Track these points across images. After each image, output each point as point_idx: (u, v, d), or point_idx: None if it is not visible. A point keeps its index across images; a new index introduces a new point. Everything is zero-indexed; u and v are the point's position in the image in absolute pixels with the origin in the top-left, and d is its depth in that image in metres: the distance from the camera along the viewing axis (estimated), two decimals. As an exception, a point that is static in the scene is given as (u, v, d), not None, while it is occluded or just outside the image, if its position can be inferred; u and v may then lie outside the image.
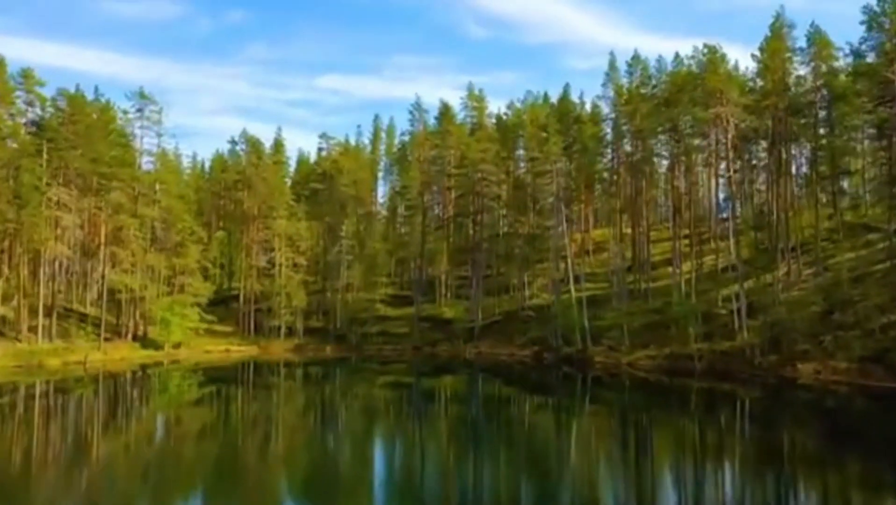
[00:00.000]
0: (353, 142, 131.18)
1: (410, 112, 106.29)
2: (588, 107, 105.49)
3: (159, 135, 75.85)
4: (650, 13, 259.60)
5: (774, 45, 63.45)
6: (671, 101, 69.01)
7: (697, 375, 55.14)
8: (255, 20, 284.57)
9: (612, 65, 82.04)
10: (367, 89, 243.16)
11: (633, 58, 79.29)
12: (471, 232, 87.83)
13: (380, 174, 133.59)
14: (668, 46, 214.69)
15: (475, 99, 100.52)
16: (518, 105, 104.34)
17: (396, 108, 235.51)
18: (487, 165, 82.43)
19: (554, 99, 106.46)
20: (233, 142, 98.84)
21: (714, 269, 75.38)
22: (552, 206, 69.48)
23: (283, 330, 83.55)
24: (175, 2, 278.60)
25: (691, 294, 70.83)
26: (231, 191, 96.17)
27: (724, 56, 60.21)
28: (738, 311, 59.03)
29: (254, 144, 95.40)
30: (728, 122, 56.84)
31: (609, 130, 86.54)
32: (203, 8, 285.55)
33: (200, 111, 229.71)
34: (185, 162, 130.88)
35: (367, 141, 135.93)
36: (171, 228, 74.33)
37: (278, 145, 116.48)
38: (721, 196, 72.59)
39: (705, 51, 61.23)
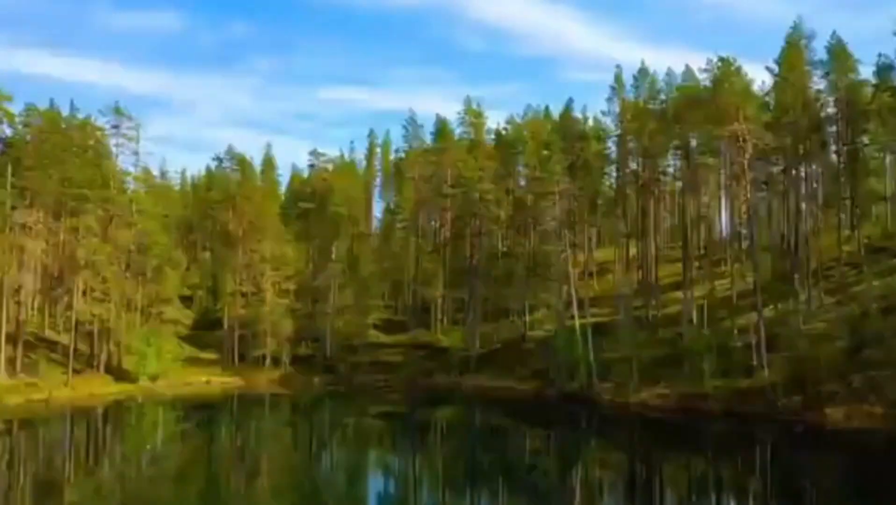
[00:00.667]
0: (347, 157, 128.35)
1: (405, 128, 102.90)
2: (591, 121, 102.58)
3: (136, 153, 72.29)
4: (649, 25, 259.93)
5: (793, 58, 59.97)
6: (681, 117, 65.49)
7: (714, 417, 51.37)
8: (257, 33, 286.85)
9: (618, 79, 78.34)
10: (368, 101, 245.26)
11: (639, 71, 75.81)
12: (468, 254, 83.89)
13: (376, 189, 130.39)
14: (667, 59, 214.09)
15: (473, 114, 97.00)
16: (518, 120, 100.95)
17: (397, 121, 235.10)
18: (486, 185, 78.80)
19: (555, 113, 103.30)
20: (218, 159, 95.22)
21: (727, 295, 71.74)
22: (554, 230, 65.67)
23: (268, 360, 79.58)
24: (177, 15, 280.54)
25: (703, 323, 67.16)
26: (216, 210, 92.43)
27: (739, 69, 56.68)
28: (757, 345, 55.20)
29: (241, 162, 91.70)
30: (745, 140, 53.21)
31: (614, 148, 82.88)
32: (205, 21, 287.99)
33: (202, 123, 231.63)
34: (175, 177, 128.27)
35: (362, 156, 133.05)
36: (147, 253, 70.42)
37: (268, 162, 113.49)
38: (735, 218, 68.78)
39: (719, 64, 57.65)
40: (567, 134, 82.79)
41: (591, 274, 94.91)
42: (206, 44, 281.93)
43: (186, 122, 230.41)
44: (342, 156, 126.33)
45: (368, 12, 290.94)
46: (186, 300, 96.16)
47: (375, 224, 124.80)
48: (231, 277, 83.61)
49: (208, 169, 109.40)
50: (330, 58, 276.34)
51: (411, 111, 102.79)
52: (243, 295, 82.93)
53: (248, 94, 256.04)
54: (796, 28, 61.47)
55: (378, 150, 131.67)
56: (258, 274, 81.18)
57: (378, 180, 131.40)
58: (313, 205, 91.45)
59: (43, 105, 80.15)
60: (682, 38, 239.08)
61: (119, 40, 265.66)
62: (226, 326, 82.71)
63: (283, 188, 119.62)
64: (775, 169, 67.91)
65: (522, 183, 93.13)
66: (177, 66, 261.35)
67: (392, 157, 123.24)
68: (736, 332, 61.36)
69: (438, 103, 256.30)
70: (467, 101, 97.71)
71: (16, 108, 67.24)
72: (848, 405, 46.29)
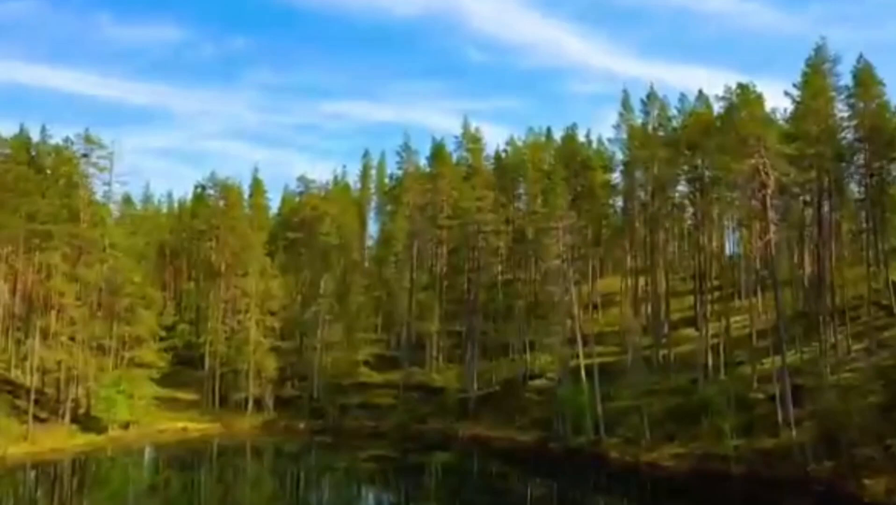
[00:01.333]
0: (340, 179, 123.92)
1: (398, 154, 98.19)
2: (595, 144, 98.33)
3: (107, 183, 67.73)
4: (647, 39, 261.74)
5: (815, 84, 55.52)
6: (695, 146, 61.10)
7: (736, 482, 46.74)
8: (258, 46, 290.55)
9: (626, 103, 73.76)
10: (369, 114, 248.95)
11: (648, 95, 71.06)
12: (465, 287, 78.84)
13: (371, 213, 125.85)
14: (668, 72, 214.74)
15: (471, 139, 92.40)
16: (519, 143, 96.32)
17: (397, 134, 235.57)
18: (484, 215, 74.09)
19: (557, 136, 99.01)
20: (201, 186, 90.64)
21: (744, 333, 67.42)
22: (557, 269, 60.84)
23: (250, 403, 74.63)
24: (179, 28, 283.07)
25: (720, 367, 62.59)
26: (199, 241, 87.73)
27: (759, 96, 52.16)
28: (782, 397, 50.51)
29: (225, 189, 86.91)
30: (767, 175, 48.73)
31: (620, 177, 78.11)
32: (206, 34, 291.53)
33: (203, 135, 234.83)
34: (163, 199, 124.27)
35: (356, 177, 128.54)
36: (119, 292, 65.65)
37: (257, 186, 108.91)
38: (752, 253, 64.09)
39: (737, 90, 53.13)
40: (570, 161, 78.21)
41: (595, 306, 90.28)
42: (207, 57, 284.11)
43: (187, 135, 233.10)
44: (336, 178, 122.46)
45: (368, 26, 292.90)
46: (168, 331, 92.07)
47: (370, 242, 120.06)
48: (213, 313, 78.83)
49: (195, 192, 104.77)
50: (330, 71, 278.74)
51: (406, 136, 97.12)
52: (226, 332, 78.08)
53: (249, 108, 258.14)
54: (819, 51, 56.97)
55: (373, 171, 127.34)
56: (241, 311, 76.38)
57: (373, 203, 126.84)
58: (302, 234, 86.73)
59: (13, 129, 76.65)
60: (683, 51, 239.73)
61: (120, 54, 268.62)
62: (206, 365, 77.96)
63: (274, 209, 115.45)
64: (796, 202, 63.39)
65: (522, 205, 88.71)
66: (178, 80, 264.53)
67: (387, 179, 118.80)
68: (756, 380, 56.87)
69: (439, 116, 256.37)
70: (465, 124, 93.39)
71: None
72: (888, 476, 41.61)
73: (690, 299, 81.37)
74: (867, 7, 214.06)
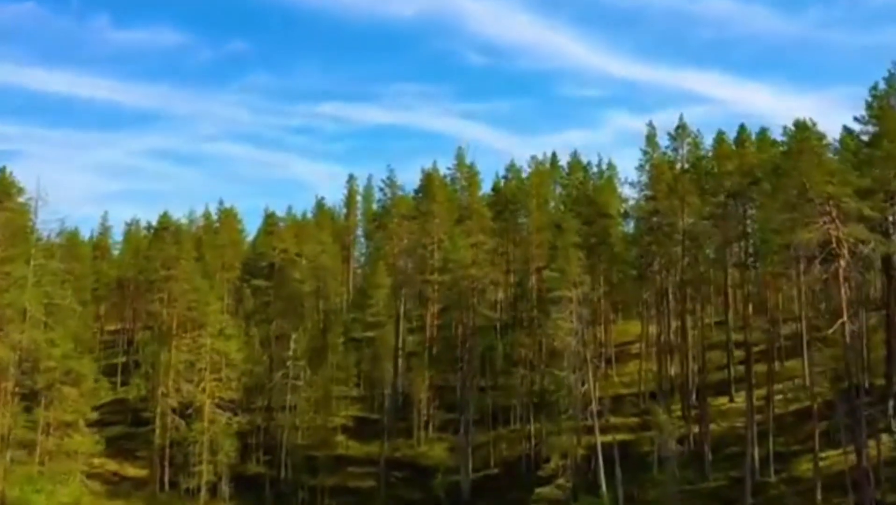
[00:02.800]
0: (324, 205, 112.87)
1: (381, 189, 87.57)
2: (605, 170, 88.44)
3: (30, 232, 57.05)
4: (645, 42, 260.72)
5: (892, 121, 45.16)
6: (737, 194, 50.82)
7: None
8: (256, 49, 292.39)
9: (651, 139, 62.58)
10: (366, 116, 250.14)
11: (677, 128, 59.93)
12: (458, 353, 67.95)
13: (358, 242, 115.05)
14: (667, 75, 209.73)
15: (466, 171, 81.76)
16: (521, 172, 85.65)
17: (396, 137, 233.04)
18: (480, 268, 63.54)
19: (563, 161, 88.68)
20: (154, 228, 79.81)
21: (794, 410, 57.93)
22: (569, 349, 50.06)
23: (203, 491, 63.80)
24: (177, 31, 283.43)
25: (769, 461, 52.51)
26: (151, 289, 76.82)
27: (825, 142, 41.63)
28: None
29: (176, 234, 76.17)
30: (840, 244, 38.44)
31: (641, 224, 67.46)
32: (204, 37, 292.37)
33: (200, 137, 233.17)
34: (129, 225, 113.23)
35: (341, 202, 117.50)
36: (38, 370, 54.95)
37: (226, 220, 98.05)
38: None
39: (797, 133, 42.65)
40: (582, 209, 67.55)
41: (608, 361, 79.97)
42: (205, 60, 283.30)
43: (185, 137, 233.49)
44: (320, 203, 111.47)
45: (366, 29, 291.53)
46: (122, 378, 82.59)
47: (357, 264, 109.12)
48: (162, 380, 67.96)
49: (156, 230, 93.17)
50: (328, 74, 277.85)
51: (391, 170, 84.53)
52: (177, 403, 67.23)
53: (247, 110, 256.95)
54: (892, 79, 46.56)
55: (359, 197, 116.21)
56: (194, 380, 65.59)
57: (359, 231, 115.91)
58: (271, 283, 76.04)
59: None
60: (681, 54, 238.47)
61: (118, 57, 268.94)
62: (156, 441, 67.24)
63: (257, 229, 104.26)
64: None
65: (524, 241, 78.43)
66: (176, 82, 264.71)
67: (375, 205, 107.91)
68: (820, 486, 46.74)
69: (436, 119, 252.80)
70: (460, 154, 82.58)
71: None
72: None
73: (722, 356, 71.41)
74: (865, 11, 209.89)
